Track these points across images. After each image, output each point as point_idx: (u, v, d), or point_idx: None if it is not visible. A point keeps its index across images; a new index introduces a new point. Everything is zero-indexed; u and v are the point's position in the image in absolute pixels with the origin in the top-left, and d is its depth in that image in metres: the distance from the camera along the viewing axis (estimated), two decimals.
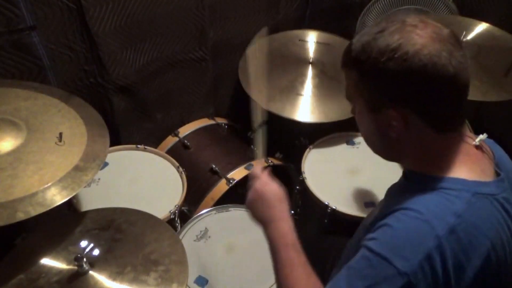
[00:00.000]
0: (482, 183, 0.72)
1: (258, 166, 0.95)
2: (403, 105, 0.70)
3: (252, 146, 1.81)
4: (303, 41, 1.89)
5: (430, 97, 0.69)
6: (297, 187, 1.69)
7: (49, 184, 0.96)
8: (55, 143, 1.06)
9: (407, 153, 0.77)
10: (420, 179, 0.75)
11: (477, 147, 0.76)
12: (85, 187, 1.21)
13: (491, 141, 0.83)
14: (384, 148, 0.81)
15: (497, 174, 0.76)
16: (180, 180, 1.53)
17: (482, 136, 0.78)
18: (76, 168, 1.02)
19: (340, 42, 1.92)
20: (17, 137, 1.05)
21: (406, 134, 0.73)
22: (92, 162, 1.06)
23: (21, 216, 0.90)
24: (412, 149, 0.75)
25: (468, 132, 0.77)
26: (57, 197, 0.95)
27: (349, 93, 0.79)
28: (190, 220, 1.43)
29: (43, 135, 1.07)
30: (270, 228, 0.85)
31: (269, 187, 0.91)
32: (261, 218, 0.88)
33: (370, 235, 0.71)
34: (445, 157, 0.73)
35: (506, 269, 0.74)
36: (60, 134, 1.07)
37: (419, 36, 0.67)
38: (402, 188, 0.81)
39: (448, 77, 0.67)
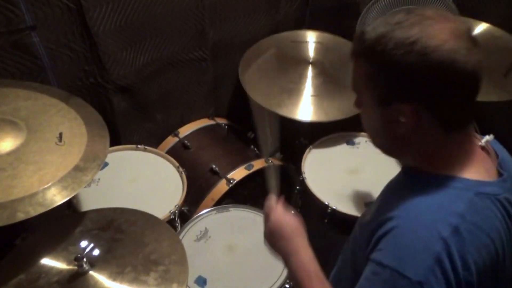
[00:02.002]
0: (485, 182, 0.71)
1: (273, 197, 0.94)
2: (416, 101, 0.67)
3: (252, 146, 1.82)
4: (295, 42, 1.89)
5: (445, 94, 0.66)
6: (297, 187, 1.69)
7: (49, 184, 0.96)
8: (55, 143, 1.06)
9: (410, 150, 0.75)
10: (421, 176, 0.74)
11: (482, 147, 0.76)
12: (85, 187, 1.21)
13: (493, 140, 0.82)
14: (387, 143, 0.78)
15: (500, 174, 0.76)
16: (180, 180, 1.53)
17: (489, 137, 0.77)
18: (76, 168, 1.02)
19: (335, 40, 1.92)
20: (17, 137, 1.05)
21: (413, 131, 0.70)
22: (92, 162, 1.06)
23: (21, 216, 0.90)
24: (416, 146, 0.73)
25: (473, 131, 0.76)
26: (57, 197, 0.95)
27: (356, 84, 0.75)
28: (190, 220, 1.43)
29: (43, 135, 1.07)
30: (291, 260, 0.84)
31: (285, 219, 0.89)
32: (281, 251, 0.88)
33: (376, 247, 0.69)
34: (449, 156, 0.72)
35: (504, 268, 0.73)
36: (60, 134, 1.07)
37: (439, 31, 0.64)
38: (401, 184, 0.80)
39: (465, 75, 0.65)
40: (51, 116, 1.14)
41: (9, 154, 1.01)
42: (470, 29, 0.68)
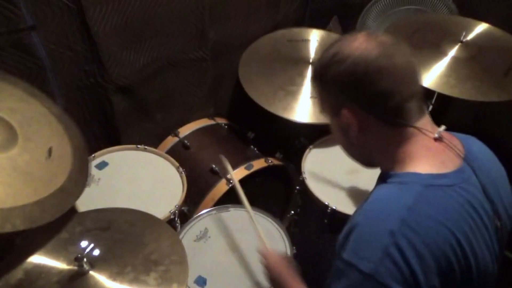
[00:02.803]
0: (437, 175, 0.74)
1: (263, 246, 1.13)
2: (350, 102, 0.77)
3: (252, 146, 1.82)
4: (292, 41, 1.89)
5: (368, 92, 0.75)
6: (297, 187, 1.69)
7: (40, 197, 0.94)
8: (45, 158, 1.01)
9: (372, 154, 0.83)
10: (384, 177, 0.80)
11: (437, 139, 0.78)
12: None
13: (466, 136, 0.85)
14: (354, 152, 0.89)
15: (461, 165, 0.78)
16: (180, 180, 1.53)
17: (440, 129, 0.80)
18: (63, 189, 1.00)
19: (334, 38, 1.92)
20: (10, 140, 1.00)
21: (363, 133, 0.79)
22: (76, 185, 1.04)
23: (8, 227, 0.85)
24: (374, 149, 0.81)
25: (429, 124, 0.80)
26: (46, 214, 0.93)
27: (320, 106, 0.87)
28: (190, 220, 1.43)
29: (35, 146, 1.02)
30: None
31: (275, 263, 1.04)
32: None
33: (343, 244, 0.75)
34: (401, 152, 0.78)
35: (477, 261, 0.74)
36: (50, 149, 1.03)
37: (354, 41, 0.76)
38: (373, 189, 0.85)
39: (380, 69, 0.73)
40: (42, 126, 1.08)
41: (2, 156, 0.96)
42: (391, 36, 0.78)
